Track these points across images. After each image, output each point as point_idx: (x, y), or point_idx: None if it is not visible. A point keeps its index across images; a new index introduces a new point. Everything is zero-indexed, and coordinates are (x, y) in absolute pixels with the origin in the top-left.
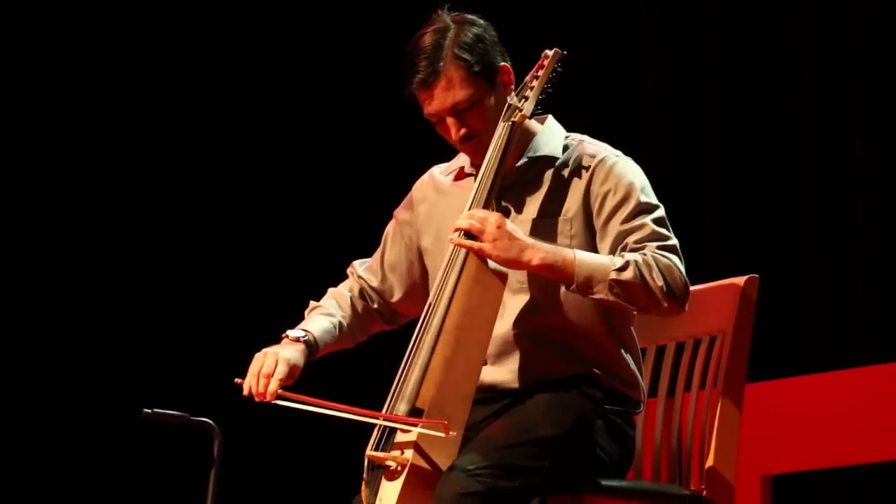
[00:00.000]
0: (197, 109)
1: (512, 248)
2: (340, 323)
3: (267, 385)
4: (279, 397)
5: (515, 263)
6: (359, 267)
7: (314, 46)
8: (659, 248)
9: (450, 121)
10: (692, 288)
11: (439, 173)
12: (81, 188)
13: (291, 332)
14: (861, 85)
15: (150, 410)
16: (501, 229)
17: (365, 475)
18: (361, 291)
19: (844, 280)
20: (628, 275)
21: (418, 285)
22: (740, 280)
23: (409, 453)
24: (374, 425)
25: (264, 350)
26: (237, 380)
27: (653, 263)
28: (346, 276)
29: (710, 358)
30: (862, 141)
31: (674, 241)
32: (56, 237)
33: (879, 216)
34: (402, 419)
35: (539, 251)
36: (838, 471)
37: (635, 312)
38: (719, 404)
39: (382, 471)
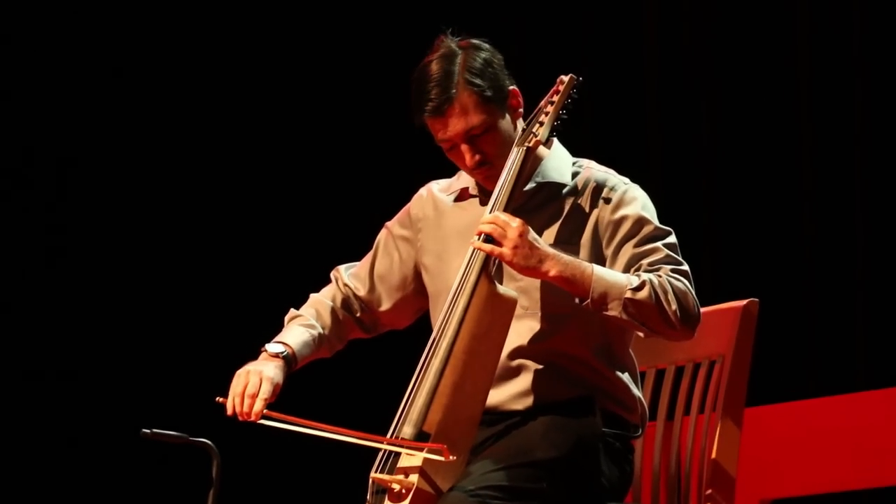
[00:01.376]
0: (191, 119)
1: (532, 257)
2: (320, 334)
3: (252, 405)
4: (264, 417)
5: (534, 272)
6: (344, 273)
7: (310, 54)
8: (673, 271)
9: (464, 147)
10: None
11: (438, 191)
12: (81, 199)
13: (270, 347)
14: (860, 106)
15: (149, 430)
16: (523, 237)
17: (368, 497)
18: (345, 300)
19: (844, 304)
20: (643, 294)
21: (410, 300)
22: (740, 304)
23: (413, 477)
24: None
25: (246, 368)
26: (219, 398)
27: (668, 287)
28: (328, 280)
29: (710, 381)
30: (861, 164)
31: (686, 267)
32: (56, 253)
33: (879, 240)
34: (387, 440)
35: (558, 263)
36: (837, 496)
37: (641, 334)
38: (718, 428)
39: (385, 493)
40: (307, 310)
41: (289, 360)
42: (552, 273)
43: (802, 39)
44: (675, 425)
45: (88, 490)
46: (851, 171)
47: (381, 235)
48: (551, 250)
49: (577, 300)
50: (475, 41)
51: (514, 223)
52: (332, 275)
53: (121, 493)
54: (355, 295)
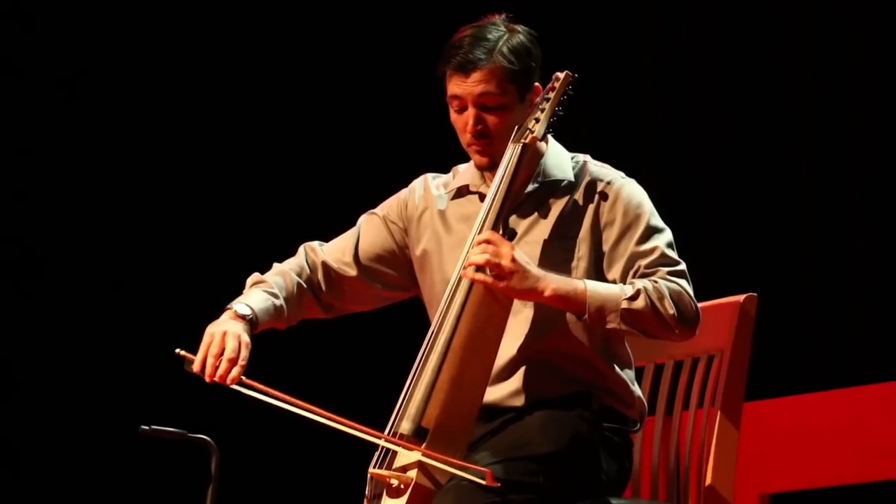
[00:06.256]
0: (187, 118)
1: (527, 280)
2: (281, 306)
3: (229, 370)
4: (240, 383)
5: (530, 294)
6: (317, 246)
7: (309, 53)
8: (670, 273)
9: (471, 111)
10: None
11: (435, 186)
12: (79, 199)
13: (238, 308)
14: (859, 103)
15: (147, 427)
16: (516, 262)
17: (367, 492)
18: (310, 276)
19: (843, 299)
20: (639, 304)
21: (384, 279)
22: (739, 298)
23: (412, 472)
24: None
25: (220, 328)
26: (181, 352)
27: (664, 291)
28: (294, 252)
29: (709, 376)
30: (860, 160)
31: (683, 266)
32: (54, 250)
33: (877, 235)
34: (359, 428)
35: (552, 282)
36: (836, 490)
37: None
38: (717, 423)
39: (384, 488)
40: (273, 278)
41: (252, 324)
42: (548, 293)
43: (803, 30)
44: (674, 420)
45: (87, 487)
46: (850, 165)
47: (366, 218)
48: (541, 271)
49: (576, 316)
50: (524, 28)
51: (505, 249)
52: (302, 248)
53: (120, 490)
54: (326, 266)
